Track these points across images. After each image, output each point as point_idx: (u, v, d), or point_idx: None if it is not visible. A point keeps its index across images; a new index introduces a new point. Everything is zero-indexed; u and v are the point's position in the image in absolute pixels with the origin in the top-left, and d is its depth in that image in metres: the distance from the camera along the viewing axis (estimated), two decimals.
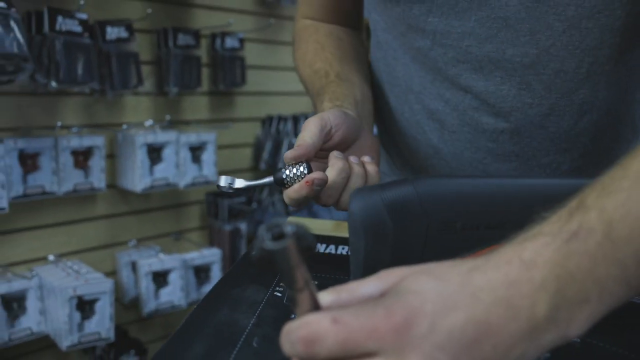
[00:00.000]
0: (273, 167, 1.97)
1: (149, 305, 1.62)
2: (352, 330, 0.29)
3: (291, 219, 0.74)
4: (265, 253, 0.29)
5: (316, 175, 0.54)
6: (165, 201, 1.78)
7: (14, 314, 1.37)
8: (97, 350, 1.56)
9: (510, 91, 0.64)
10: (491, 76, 0.64)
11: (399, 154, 0.80)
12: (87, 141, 1.47)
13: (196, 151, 1.70)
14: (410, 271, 0.33)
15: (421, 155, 0.74)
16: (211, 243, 1.89)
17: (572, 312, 0.31)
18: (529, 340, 0.31)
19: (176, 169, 1.65)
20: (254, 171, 2.03)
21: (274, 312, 0.49)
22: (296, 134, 2.00)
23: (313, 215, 2.00)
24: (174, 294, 1.67)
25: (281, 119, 2.00)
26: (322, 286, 0.35)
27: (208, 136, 1.71)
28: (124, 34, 1.50)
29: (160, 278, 1.64)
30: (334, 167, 0.56)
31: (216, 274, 1.75)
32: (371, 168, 0.59)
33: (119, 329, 1.60)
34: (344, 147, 0.62)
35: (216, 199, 1.84)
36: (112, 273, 1.64)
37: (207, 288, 1.72)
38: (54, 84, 1.34)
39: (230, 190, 0.57)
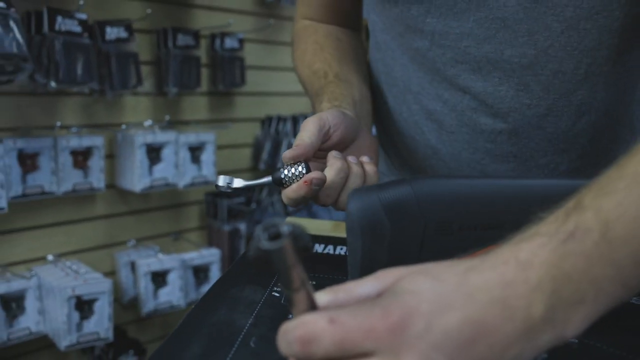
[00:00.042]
0: (272, 168, 1.97)
1: (148, 305, 1.62)
2: (349, 330, 0.29)
3: (290, 219, 0.74)
4: (262, 253, 0.29)
5: (315, 175, 0.54)
6: (165, 201, 1.78)
7: (13, 313, 1.37)
8: (96, 350, 1.56)
9: (508, 92, 0.64)
10: (489, 77, 0.64)
11: (398, 154, 0.80)
12: (86, 141, 1.47)
13: (195, 151, 1.70)
14: (407, 271, 0.33)
15: (419, 155, 0.74)
16: (210, 243, 1.89)
17: (568, 313, 0.31)
18: (525, 341, 0.31)
19: (175, 169, 1.65)
20: (253, 171, 2.03)
21: (271, 312, 0.49)
22: (295, 134, 2.00)
23: (312, 215, 2.00)
24: (172, 294, 1.67)
25: (280, 119, 2.00)
26: (321, 286, 0.35)
27: (207, 136, 1.71)
28: (123, 34, 1.50)
29: (159, 278, 1.64)
30: (333, 167, 0.56)
31: (215, 274, 1.75)
32: (370, 168, 0.59)
33: (118, 329, 1.60)
34: (343, 147, 0.62)
35: (215, 199, 1.84)
36: (111, 273, 1.64)
37: (206, 288, 1.72)
38: (53, 84, 1.34)
39: (229, 190, 0.57)
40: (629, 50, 0.64)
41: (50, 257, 1.51)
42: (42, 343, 1.49)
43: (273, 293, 0.53)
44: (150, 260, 1.62)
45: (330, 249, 0.65)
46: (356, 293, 0.33)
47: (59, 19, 1.34)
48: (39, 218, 1.49)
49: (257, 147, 2.02)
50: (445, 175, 0.71)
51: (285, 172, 0.56)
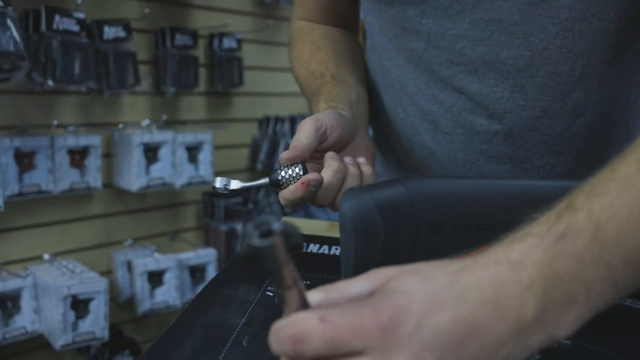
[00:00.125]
0: (270, 168, 1.97)
1: (144, 305, 1.62)
2: (339, 328, 0.29)
3: (286, 219, 0.74)
4: (253, 250, 0.29)
5: (312, 176, 0.54)
6: (161, 201, 1.78)
7: (8, 312, 1.37)
8: (92, 349, 1.56)
9: (503, 93, 0.64)
10: (485, 78, 0.64)
11: (394, 155, 0.80)
12: (83, 140, 1.47)
13: (193, 151, 1.70)
14: (398, 271, 0.33)
15: (415, 156, 0.74)
16: (207, 243, 1.89)
17: (560, 313, 0.31)
18: (516, 341, 0.31)
19: (172, 169, 1.65)
20: (251, 172, 2.03)
21: (265, 311, 0.49)
22: (293, 134, 2.00)
23: (309, 216, 2.00)
24: (169, 294, 1.67)
25: (278, 119, 2.01)
26: (314, 286, 0.35)
27: (205, 136, 1.71)
28: (121, 33, 1.50)
29: (155, 278, 1.64)
30: (330, 168, 0.56)
31: (211, 274, 1.75)
32: (366, 169, 0.59)
33: (114, 329, 1.59)
34: (339, 148, 0.62)
35: (212, 199, 1.84)
36: (107, 272, 1.64)
37: (202, 288, 1.71)
38: (50, 82, 1.34)
39: (226, 192, 0.57)
40: (623, 52, 0.64)
41: (46, 256, 1.51)
42: (38, 342, 1.48)
43: (266, 293, 0.53)
44: (146, 260, 1.62)
45: (325, 249, 0.65)
46: (348, 292, 0.33)
47: (57, 17, 1.34)
48: (36, 217, 1.49)
49: (254, 148, 2.02)
50: (438, 175, 0.71)
51: (282, 173, 0.56)
